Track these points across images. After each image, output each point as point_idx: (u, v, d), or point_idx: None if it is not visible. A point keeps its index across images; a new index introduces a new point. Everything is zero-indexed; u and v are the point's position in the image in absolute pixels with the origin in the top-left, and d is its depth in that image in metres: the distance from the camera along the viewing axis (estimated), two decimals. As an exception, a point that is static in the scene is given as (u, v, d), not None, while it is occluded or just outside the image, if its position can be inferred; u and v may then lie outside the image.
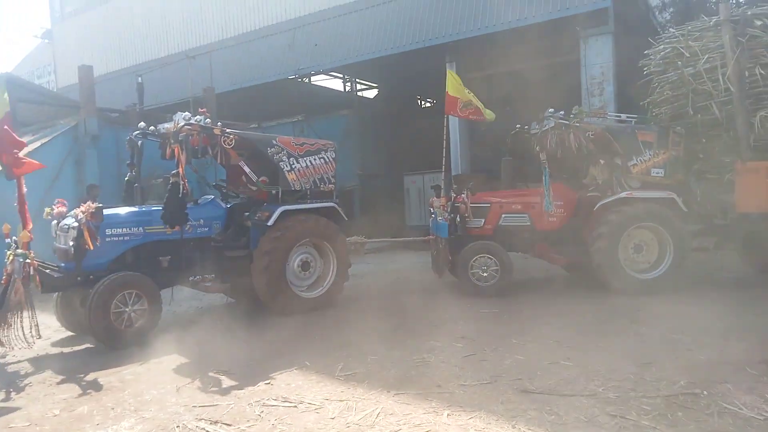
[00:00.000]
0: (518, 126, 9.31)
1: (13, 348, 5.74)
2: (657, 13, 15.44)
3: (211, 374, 5.05)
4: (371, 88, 24.43)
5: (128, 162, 7.79)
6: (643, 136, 8.06)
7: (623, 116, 8.70)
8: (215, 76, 17.40)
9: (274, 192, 7.51)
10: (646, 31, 9.10)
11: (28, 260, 5.80)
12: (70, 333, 6.93)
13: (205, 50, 18.50)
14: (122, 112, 15.34)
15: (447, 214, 8.48)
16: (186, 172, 6.80)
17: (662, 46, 8.71)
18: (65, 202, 6.87)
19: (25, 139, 13.18)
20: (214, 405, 4.30)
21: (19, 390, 4.95)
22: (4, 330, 5.68)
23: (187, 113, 6.98)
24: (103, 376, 5.17)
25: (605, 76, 12.81)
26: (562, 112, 8.13)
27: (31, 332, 5.71)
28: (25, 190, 6.07)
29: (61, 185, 11.83)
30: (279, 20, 18.23)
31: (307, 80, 20.87)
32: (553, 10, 12.92)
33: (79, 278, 6.33)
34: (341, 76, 22.31)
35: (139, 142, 7.60)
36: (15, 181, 6.03)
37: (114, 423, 4.05)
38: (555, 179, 8.38)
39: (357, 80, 22.80)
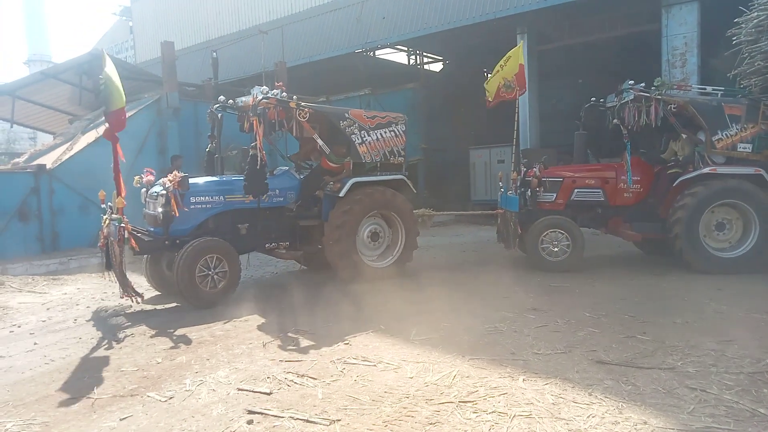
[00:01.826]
0: (593, 99, 9.07)
1: (141, 298, 6.43)
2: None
3: (292, 333, 5.38)
4: (437, 61, 24.20)
5: (209, 134, 8.19)
6: (731, 110, 7.69)
7: (709, 89, 8.29)
8: (286, 50, 17.77)
9: (347, 163, 7.68)
10: (736, -1, 8.54)
11: (122, 224, 6.26)
12: (157, 292, 7.46)
13: (276, 25, 18.91)
14: (199, 86, 16.02)
15: (518, 188, 8.44)
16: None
17: (756, 14, 8.18)
18: (153, 171, 7.27)
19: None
20: (299, 360, 4.60)
21: (123, 340, 5.45)
22: (123, 285, 6.29)
23: (264, 87, 7.22)
24: (195, 332, 5.60)
25: (688, 47, 12.15)
26: (642, 84, 7.85)
27: (133, 294, 6.28)
28: (122, 160, 6.49)
29: (146, 156, 12.60)
30: (347, -7, 18.32)
31: (373, 54, 20.93)
32: (634, -23, 12.31)
33: (166, 242, 6.75)
34: (406, 49, 22.22)
35: (219, 114, 7.97)
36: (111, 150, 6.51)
37: (211, 372, 4.43)
38: (632, 153, 8.15)
39: (423, 53, 22.63)
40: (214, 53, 17.10)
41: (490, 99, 9.68)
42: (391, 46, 19.82)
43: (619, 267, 8.31)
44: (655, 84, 7.74)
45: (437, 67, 24.79)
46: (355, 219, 7.51)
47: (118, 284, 6.40)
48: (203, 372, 4.43)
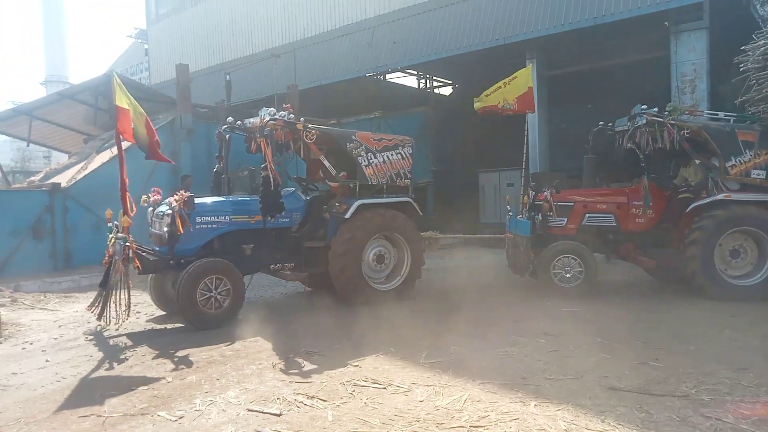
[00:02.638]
0: (601, 123, 9.10)
1: (108, 323, 6.32)
2: (759, 6, 14.49)
3: (301, 355, 5.38)
4: (447, 85, 24.45)
5: (216, 154, 8.28)
6: (744, 136, 7.68)
7: (721, 114, 8.31)
8: (298, 74, 18.04)
9: (351, 186, 7.70)
10: (745, 26, 8.60)
11: (127, 243, 6.30)
12: (162, 312, 7.46)
13: (289, 48, 19.24)
14: (212, 108, 16.27)
15: (528, 212, 8.41)
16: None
17: (763, 41, 8.25)
18: (160, 191, 7.30)
19: (126, 133, 14.33)
20: (308, 382, 4.59)
21: (133, 359, 5.46)
22: (102, 306, 6.28)
23: (272, 108, 7.30)
24: (205, 351, 5.61)
25: (698, 74, 12.22)
26: (655, 109, 7.89)
27: (124, 311, 6.24)
28: (127, 180, 6.54)
29: (158, 175, 12.75)
30: (359, 19, 18.65)
31: (384, 78, 21.19)
32: (643, 6, 12.43)
33: (171, 261, 6.77)
34: (417, 73, 22.49)
35: (227, 135, 8.04)
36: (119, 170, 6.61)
37: (221, 392, 4.42)
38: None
39: (433, 77, 22.89)
40: (228, 76, 17.38)
41: (477, 107, 9.76)
42: (402, 70, 20.07)
43: (631, 293, 8.25)
44: (667, 109, 7.78)
45: (447, 90, 25.05)
46: (360, 241, 7.51)
47: (100, 302, 6.34)
48: (213, 392, 4.43)
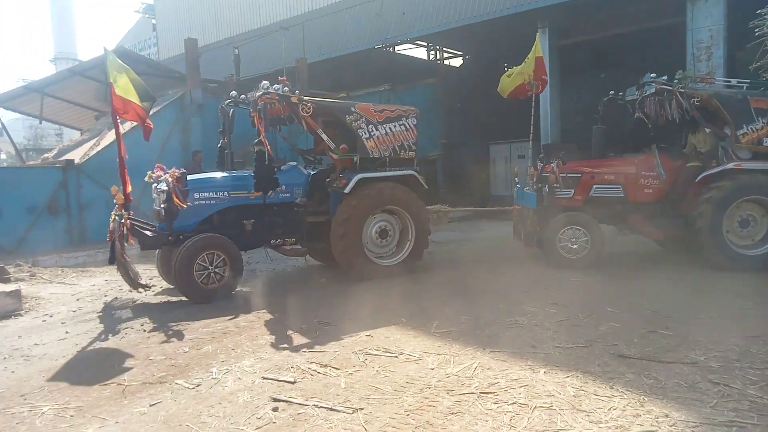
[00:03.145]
0: (611, 93, 8.95)
1: (147, 288, 6.65)
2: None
3: (315, 325, 5.47)
4: (457, 56, 24.12)
5: (220, 129, 8.24)
6: (757, 103, 7.52)
7: (734, 81, 8.14)
8: (307, 47, 17.88)
9: (353, 159, 7.57)
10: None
11: (123, 220, 6.37)
12: (170, 286, 7.50)
13: (297, 21, 19.03)
14: (221, 83, 16.22)
15: (535, 184, 8.37)
16: (276, 140, 7.13)
17: None
18: (163, 166, 7.17)
19: (137, 109, 14.37)
20: (322, 351, 4.69)
21: (150, 330, 5.59)
22: (127, 279, 6.46)
23: (265, 82, 7.13)
24: (220, 322, 5.73)
25: (714, 40, 11.94)
26: (664, 77, 7.75)
27: (135, 283, 6.45)
28: (126, 156, 6.60)
29: (170, 151, 12.84)
30: (368, -11, 18.37)
31: (393, 50, 20.96)
32: (658, -30, 12.13)
33: (170, 238, 6.81)
34: (426, 44, 22.19)
35: (231, 110, 7.99)
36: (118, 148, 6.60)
37: (236, 361, 4.53)
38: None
39: (443, 48, 22.58)
40: (236, 50, 17.31)
41: (503, 95, 9.62)
42: (411, 41, 19.84)
43: (642, 263, 8.24)
44: (677, 77, 7.64)
45: (457, 62, 24.71)
46: (361, 215, 7.41)
47: (123, 279, 6.54)
48: (229, 361, 4.54)
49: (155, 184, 7.13)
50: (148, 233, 6.88)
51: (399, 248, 7.91)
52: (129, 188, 6.62)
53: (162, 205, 6.73)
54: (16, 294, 6.65)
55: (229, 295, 6.77)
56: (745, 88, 7.94)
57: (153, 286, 7.25)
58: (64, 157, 12.53)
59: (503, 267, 8.16)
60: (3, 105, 18.12)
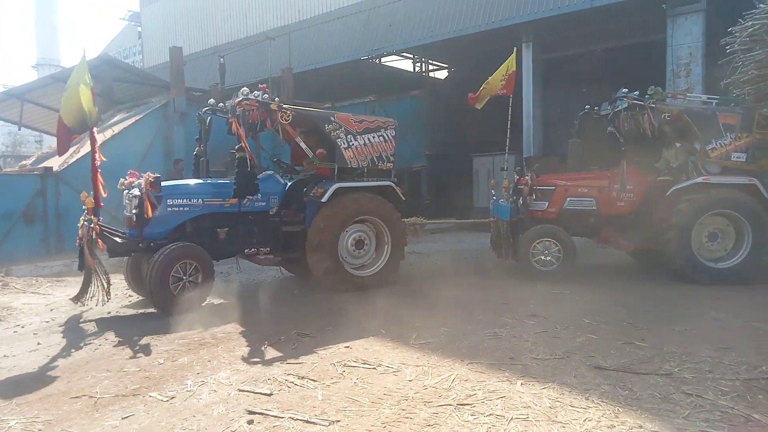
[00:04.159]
0: (587, 107, 9.11)
1: (84, 305, 6.41)
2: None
3: (293, 336, 5.42)
4: (442, 68, 24.32)
5: (196, 137, 8.14)
6: (725, 119, 7.68)
7: (704, 97, 8.32)
8: (293, 57, 17.92)
9: (331, 169, 7.51)
10: (743, 8, 8.58)
11: (91, 225, 6.23)
12: (139, 297, 7.30)
13: (283, 31, 19.08)
14: (206, 91, 16.16)
15: (510, 196, 8.45)
16: (252, 148, 7.04)
17: (750, 23, 8.21)
18: (137, 173, 7.01)
19: (119, 116, 14.27)
20: (299, 363, 4.64)
21: (124, 342, 5.50)
22: (81, 289, 6.32)
23: (245, 88, 7.07)
24: (197, 334, 5.64)
25: (693, 57, 12.22)
26: (636, 93, 7.89)
27: (103, 293, 6.25)
28: (99, 161, 6.54)
29: (152, 159, 12.70)
30: (354, 1, 18.51)
31: (379, 61, 21.07)
32: (640, -12, 12.38)
33: (140, 245, 6.64)
34: (412, 56, 22.35)
35: (208, 118, 7.91)
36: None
37: (212, 373, 4.47)
38: (627, 162, 8.15)
39: (429, 61, 22.76)
40: (222, 59, 17.27)
41: (478, 106, 9.70)
42: (397, 53, 19.97)
43: (619, 275, 8.33)
44: (649, 92, 7.78)
45: (442, 74, 24.91)
46: (338, 225, 7.32)
47: (81, 285, 6.37)
48: (204, 373, 4.48)
49: (126, 191, 6.96)
50: (118, 239, 6.68)
51: (375, 260, 7.80)
52: (104, 194, 6.53)
53: (133, 211, 6.58)
54: (-12, 303, 6.50)
55: (200, 306, 6.60)
56: (714, 104, 8.11)
57: (109, 299, 6.66)
58: (42, 165, 12.36)
59: (483, 279, 8.20)
60: (-19, 111, 17.84)
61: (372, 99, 17.95)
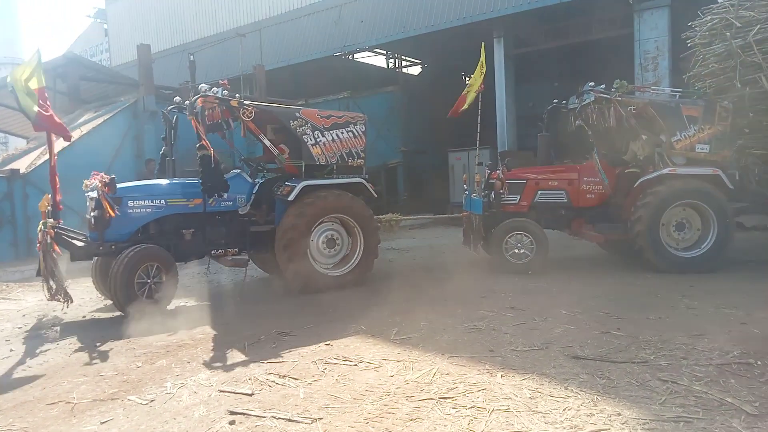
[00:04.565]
0: (555, 101, 9.25)
1: (62, 300, 6.11)
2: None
3: (273, 336, 5.40)
4: (415, 64, 24.39)
5: (162, 136, 7.97)
6: (688, 111, 7.85)
7: (667, 90, 8.51)
8: (265, 53, 17.75)
9: (299, 166, 7.36)
10: (707, 3, 8.78)
11: (46, 228, 6.00)
12: (108, 300, 7.04)
13: (254, 28, 18.87)
14: (176, 90, 15.88)
15: (482, 191, 8.52)
16: (221, 147, 6.87)
17: (709, 17, 8.42)
18: (100, 173, 6.69)
19: (86, 116, 13.94)
20: (280, 362, 4.62)
21: (102, 345, 5.40)
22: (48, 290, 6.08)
23: (204, 85, 6.90)
24: (175, 336, 5.57)
25: (660, 51, 12.50)
26: (602, 86, 8.04)
27: (61, 295, 6.04)
28: (54, 161, 6.46)
29: (122, 159, 12.48)
30: (326, -3, 18.40)
31: (352, 57, 21.02)
32: (607, -17, 12.60)
33: (101, 248, 6.46)
34: (385, 52, 22.36)
35: (174, 116, 7.76)
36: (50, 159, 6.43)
37: (192, 374, 4.42)
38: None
39: (401, 57, 22.80)
40: (192, 56, 16.99)
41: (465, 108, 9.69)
42: (370, 49, 19.95)
43: (594, 267, 8.49)
44: (614, 86, 7.94)
45: (416, 70, 24.98)
46: (306, 223, 7.14)
47: (44, 288, 6.13)
48: (184, 375, 4.43)
49: (88, 192, 6.77)
50: (79, 243, 6.48)
51: (347, 258, 7.66)
52: (59, 196, 6.35)
53: (92, 213, 6.41)
54: (-44, 311, 6.31)
55: (166, 308, 6.45)
56: (677, 97, 8.30)
57: (71, 301, 6.40)
58: (8, 167, 12.01)
59: (462, 273, 8.27)
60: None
61: (346, 95, 17.93)
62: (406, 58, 23.35)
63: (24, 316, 6.81)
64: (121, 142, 12.76)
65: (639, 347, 4.54)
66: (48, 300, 6.25)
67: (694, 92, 8.49)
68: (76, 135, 12.07)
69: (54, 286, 6.04)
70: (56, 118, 6.43)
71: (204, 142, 6.55)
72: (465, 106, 9.42)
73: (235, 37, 17.76)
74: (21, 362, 4.98)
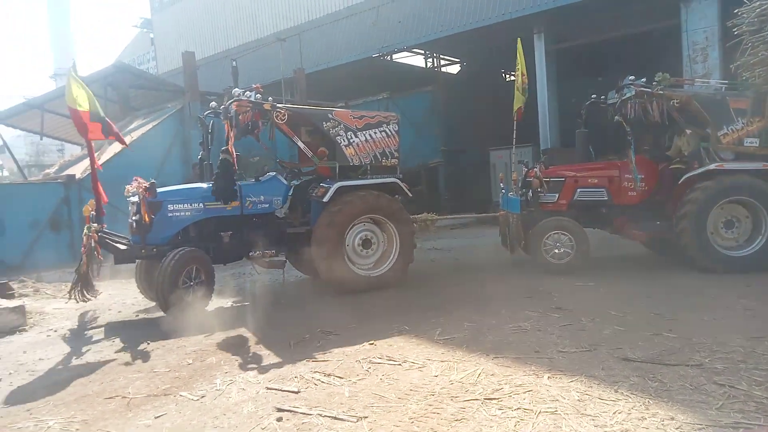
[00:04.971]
0: (593, 96, 9.00)
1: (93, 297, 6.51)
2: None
3: (318, 335, 5.47)
4: (454, 63, 24.24)
5: (200, 141, 8.06)
6: (736, 103, 7.51)
7: (713, 82, 8.15)
8: (304, 57, 17.99)
9: (332, 168, 7.36)
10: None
11: (90, 233, 6.25)
12: (150, 302, 7.23)
13: (294, 32, 19.16)
14: (220, 95, 16.28)
15: (519, 189, 8.36)
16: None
17: (758, 2, 7.99)
18: (140, 179, 6.84)
19: (136, 123, 14.46)
20: (325, 360, 4.68)
21: (154, 344, 5.59)
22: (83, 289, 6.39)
23: (237, 89, 6.95)
24: (223, 334, 5.73)
25: (709, 41, 11.99)
26: (643, 80, 7.78)
27: (84, 296, 6.37)
28: (96, 169, 6.76)
29: (171, 165, 12.87)
30: (364, -1, 18.50)
31: (390, 58, 21.07)
32: (652, -27, 12.21)
33: (143, 251, 6.62)
34: (423, 52, 22.31)
35: (210, 122, 7.85)
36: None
37: (240, 372, 4.54)
38: (636, 151, 8.03)
39: (440, 56, 22.71)
40: (234, 62, 17.32)
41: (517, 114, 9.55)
42: (408, 49, 19.94)
43: (644, 266, 8.22)
44: (656, 79, 7.66)
45: (455, 69, 24.83)
46: (342, 224, 7.13)
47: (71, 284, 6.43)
48: (233, 372, 4.55)
49: (130, 197, 6.93)
50: (121, 247, 6.68)
51: (383, 259, 7.60)
52: (105, 200, 6.62)
53: (134, 218, 6.59)
54: (21, 310, 6.67)
55: (205, 309, 6.56)
56: (724, 89, 7.95)
57: (91, 299, 6.77)
58: (65, 173, 12.58)
59: (506, 272, 8.17)
60: (4, 122, 18.19)
61: (385, 96, 17.94)
62: (445, 57, 23.24)
63: (81, 314, 7.12)
64: (169, 147, 13.16)
65: (693, 350, 4.39)
66: (69, 298, 6.56)
67: (741, 83, 8.11)
68: (126, 141, 12.53)
69: (83, 288, 6.32)
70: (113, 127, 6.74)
71: (229, 148, 6.65)
72: (520, 105, 9.26)
73: (276, 42, 18.05)
74: (79, 358, 5.22)
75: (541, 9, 14.14)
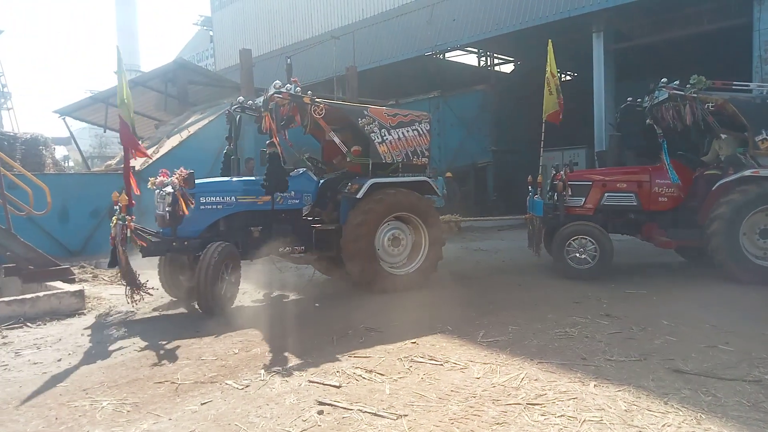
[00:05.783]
0: (629, 99, 8.69)
1: (135, 302, 6.38)
2: None
3: (360, 331, 5.51)
4: (508, 62, 23.86)
5: (227, 136, 8.04)
6: None
7: (752, 85, 7.69)
8: (357, 55, 18.12)
9: (365, 164, 7.29)
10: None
11: (125, 223, 6.19)
12: (172, 298, 7.19)
13: (347, 30, 19.33)
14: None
15: (546, 192, 8.17)
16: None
17: None
18: (168, 172, 6.77)
19: (193, 117, 14.92)
20: (367, 357, 4.71)
21: (203, 332, 5.77)
22: (128, 283, 6.32)
23: (277, 81, 6.87)
24: (268, 327, 5.84)
25: (783, 41, 11.33)
26: (677, 82, 7.43)
27: (135, 291, 6.27)
28: (131, 162, 6.77)
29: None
30: (418, -3, 18.47)
31: (443, 56, 20.97)
32: (721, -31, 11.64)
33: (174, 243, 6.52)
34: (477, 51, 22.06)
35: (237, 116, 7.89)
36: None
37: (284, 364, 4.62)
38: (670, 155, 7.69)
39: (494, 55, 22.41)
40: (289, 59, 17.68)
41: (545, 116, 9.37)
42: (462, 48, 19.79)
43: (699, 275, 7.84)
44: (691, 81, 7.30)
45: (508, 68, 24.44)
46: (374, 220, 7.08)
47: (125, 284, 6.33)
48: (277, 363, 4.63)
49: (158, 190, 6.85)
50: (152, 239, 6.58)
51: (411, 258, 7.57)
52: (137, 191, 6.61)
53: (167, 209, 6.45)
54: (80, 294, 7.01)
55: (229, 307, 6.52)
56: (765, 92, 7.50)
57: (151, 294, 6.71)
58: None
59: (552, 276, 7.99)
60: (71, 114, 19.21)
61: (436, 94, 17.88)
62: (499, 56, 22.92)
63: (132, 302, 7.38)
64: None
65: (751, 364, 4.17)
66: (127, 298, 6.45)
67: None
68: (184, 135, 12.99)
69: (135, 289, 6.31)
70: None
71: (275, 140, 6.61)
72: (555, 110, 9.08)
73: (329, 39, 18.29)
74: (132, 343, 5.44)
75: (602, 7, 13.72)
